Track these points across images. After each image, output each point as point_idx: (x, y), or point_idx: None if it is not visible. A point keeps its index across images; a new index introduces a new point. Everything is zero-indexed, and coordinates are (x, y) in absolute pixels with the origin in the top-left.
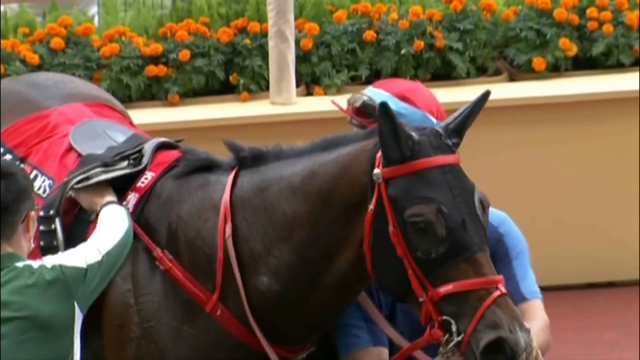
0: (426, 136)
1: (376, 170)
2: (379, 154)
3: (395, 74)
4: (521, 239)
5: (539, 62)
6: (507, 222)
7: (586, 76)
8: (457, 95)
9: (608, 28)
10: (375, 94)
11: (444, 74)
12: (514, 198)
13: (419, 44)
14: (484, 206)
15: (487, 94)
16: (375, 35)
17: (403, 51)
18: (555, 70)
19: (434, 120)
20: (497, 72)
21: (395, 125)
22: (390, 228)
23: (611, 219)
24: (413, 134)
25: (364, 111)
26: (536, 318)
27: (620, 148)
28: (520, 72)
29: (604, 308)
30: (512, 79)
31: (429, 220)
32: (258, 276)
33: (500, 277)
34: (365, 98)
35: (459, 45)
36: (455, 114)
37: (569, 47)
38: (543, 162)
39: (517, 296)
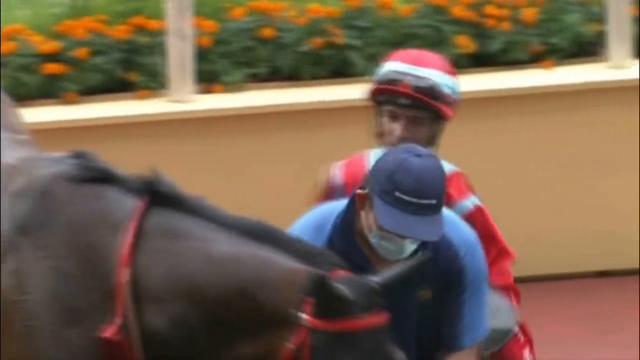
0: (358, 294)
1: (303, 315)
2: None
3: (294, 71)
4: (482, 273)
5: None
6: (474, 253)
7: (484, 73)
8: (356, 92)
9: (505, 25)
10: (431, 74)
11: (343, 72)
12: None
13: (318, 41)
14: None
15: (427, 259)
16: (273, 32)
17: (301, 48)
18: (453, 67)
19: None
20: None
21: (330, 292)
22: None
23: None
24: (347, 291)
25: (431, 94)
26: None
27: (523, 145)
28: None
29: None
30: None
31: None
32: (154, 317)
33: None
34: (430, 82)
35: (357, 43)
36: (391, 272)
37: (467, 44)
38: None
39: (456, 342)
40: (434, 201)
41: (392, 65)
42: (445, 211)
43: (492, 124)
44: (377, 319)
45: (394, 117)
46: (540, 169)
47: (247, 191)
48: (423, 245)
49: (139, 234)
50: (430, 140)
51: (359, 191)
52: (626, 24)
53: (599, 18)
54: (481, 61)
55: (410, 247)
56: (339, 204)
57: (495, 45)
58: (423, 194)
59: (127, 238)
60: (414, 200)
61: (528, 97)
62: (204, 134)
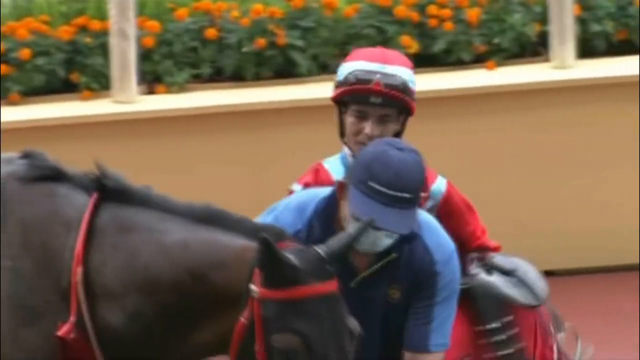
0: (307, 262)
1: (253, 287)
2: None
3: (238, 72)
4: (455, 282)
5: None
6: (450, 261)
7: (427, 73)
8: (300, 93)
9: (448, 25)
10: (400, 71)
11: (286, 72)
12: None
13: (261, 41)
14: (354, 336)
15: (371, 222)
16: (217, 33)
17: (245, 49)
18: None
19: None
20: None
21: (277, 258)
22: (257, 347)
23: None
24: (295, 259)
25: (403, 91)
26: None
27: (466, 145)
28: None
29: None
30: None
31: (294, 350)
32: (110, 313)
33: None
34: (400, 79)
35: (301, 43)
36: (339, 240)
37: (410, 44)
38: None
39: (422, 344)
40: (408, 195)
41: (358, 65)
42: (428, 218)
43: (435, 124)
44: (328, 286)
45: (362, 116)
46: (483, 169)
47: (191, 191)
48: (399, 243)
49: (92, 231)
50: (396, 136)
51: (340, 180)
52: (569, 24)
53: (542, 18)
54: (425, 61)
55: (385, 240)
56: (325, 190)
57: (438, 46)
58: (398, 187)
59: (80, 235)
60: (389, 191)
61: (472, 97)
62: (148, 134)
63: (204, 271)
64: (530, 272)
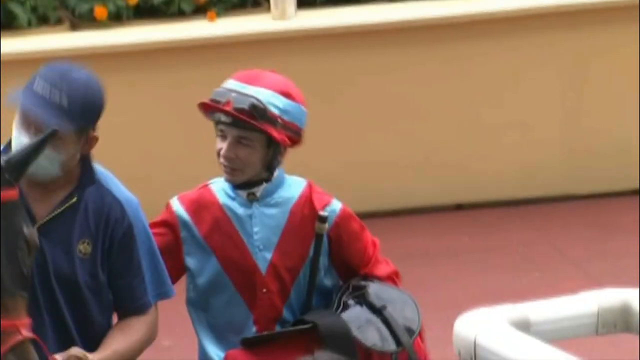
0: None
1: None
2: None
3: None
4: (149, 232)
5: (100, 11)
6: (138, 210)
7: (148, 25)
8: (20, 45)
9: None
10: (258, 93)
11: (6, 24)
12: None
13: None
14: (30, 248)
15: (53, 133)
16: None
17: None
18: (117, 19)
19: (305, 110)
20: (59, 21)
21: None
22: None
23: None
24: None
25: (252, 113)
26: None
27: (184, 96)
28: (82, 21)
29: None
30: (74, 28)
31: None
32: None
33: (25, 321)
34: (252, 100)
35: None
36: (21, 150)
37: None
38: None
39: (143, 301)
40: (67, 102)
41: (226, 83)
42: (110, 174)
43: (155, 75)
44: (5, 194)
45: (223, 136)
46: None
47: None
48: (79, 189)
49: None
50: (267, 165)
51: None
52: None
53: None
54: (145, 13)
55: (43, 162)
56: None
57: None
58: (59, 88)
59: None
60: (48, 87)
61: (192, 48)
62: None
63: None
64: (404, 311)
